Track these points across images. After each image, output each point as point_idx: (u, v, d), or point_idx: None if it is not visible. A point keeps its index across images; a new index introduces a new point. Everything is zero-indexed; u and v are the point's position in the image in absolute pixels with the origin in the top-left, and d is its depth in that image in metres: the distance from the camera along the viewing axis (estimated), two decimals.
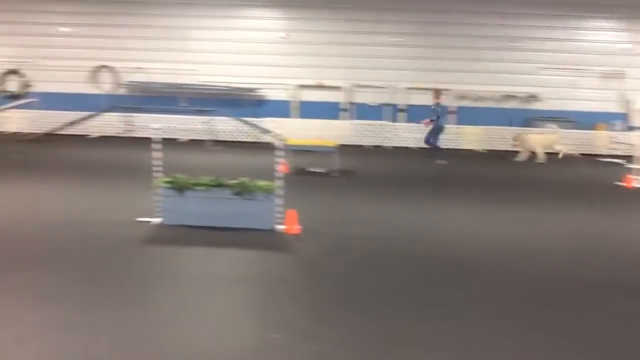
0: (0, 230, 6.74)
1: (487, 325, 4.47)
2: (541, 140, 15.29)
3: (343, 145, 16.58)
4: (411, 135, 17.11)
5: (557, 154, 15.41)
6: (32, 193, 9.09)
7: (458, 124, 17.29)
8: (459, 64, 17.58)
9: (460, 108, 17.73)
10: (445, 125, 14.71)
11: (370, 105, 17.83)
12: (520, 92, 17.79)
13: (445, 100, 17.53)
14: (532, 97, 17.82)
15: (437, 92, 14.47)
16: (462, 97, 17.78)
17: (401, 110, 17.83)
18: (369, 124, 17.36)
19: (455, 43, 17.55)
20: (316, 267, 5.83)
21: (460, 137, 17.06)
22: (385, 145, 17.21)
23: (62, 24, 18.07)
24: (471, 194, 10.15)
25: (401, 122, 17.67)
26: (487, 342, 4.18)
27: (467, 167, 13.85)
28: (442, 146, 14.77)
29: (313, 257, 6.18)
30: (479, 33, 17.53)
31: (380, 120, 17.57)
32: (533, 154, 15.07)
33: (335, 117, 17.68)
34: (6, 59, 18.22)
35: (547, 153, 15.07)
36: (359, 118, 17.65)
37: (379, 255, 6.24)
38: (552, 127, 15.83)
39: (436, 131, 14.43)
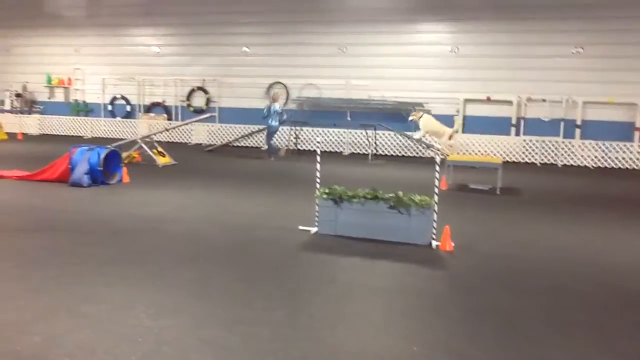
0: (175, 228, 7.50)
1: None
2: (431, 125, 15.41)
3: (510, 162, 15.97)
4: (587, 153, 15.90)
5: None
6: (208, 198, 9.97)
7: None
8: None
9: None
10: (275, 125, 15.65)
11: (543, 121, 16.82)
12: None
13: (624, 116, 16.09)
14: None
15: (274, 95, 16.18)
16: None
17: (577, 127, 16.57)
18: (540, 140, 16.42)
19: None
20: (467, 285, 5.64)
21: None
22: (558, 163, 16.16)
23: (243, 45, 19.60)
24: None
25: (577, 138, 16.43)
26: None
27: None
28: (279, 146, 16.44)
29: (464, 274, 5.99)
30: None
31: (556, 136, 16.49)
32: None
33: (505, 133, 16.96)
34: (194, 77, 20.24)
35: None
36: (530, 134, 16.76)
37: (533, 278, 5.85)
38: (455, 122, 15.72)
39: (269, 132, 15.87)
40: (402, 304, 5.10)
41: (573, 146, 16.23)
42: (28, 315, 4.51)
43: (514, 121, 17.03)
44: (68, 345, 4.00)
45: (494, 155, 16.35)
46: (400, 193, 7.07)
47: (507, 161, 15.63)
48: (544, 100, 16.78)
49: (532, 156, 16.49)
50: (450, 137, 15.55)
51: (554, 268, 6.25)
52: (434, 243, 6.91)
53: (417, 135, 15.91)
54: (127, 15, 20.99)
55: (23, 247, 6.57)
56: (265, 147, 16.34)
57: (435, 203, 6.97)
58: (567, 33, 16.47)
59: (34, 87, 22.77)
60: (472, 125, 17.32)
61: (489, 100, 17.22)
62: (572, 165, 16.08)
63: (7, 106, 22.67)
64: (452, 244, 6.82)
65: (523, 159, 16.50)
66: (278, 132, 16.53)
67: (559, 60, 16.60)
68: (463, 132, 17.28)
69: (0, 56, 22.99)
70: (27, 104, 22.72)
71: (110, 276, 5.55)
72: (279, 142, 17.33)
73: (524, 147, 16.59)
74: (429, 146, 16.46)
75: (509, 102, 17.05)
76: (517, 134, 16.97)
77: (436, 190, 7.03)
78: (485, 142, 16.68)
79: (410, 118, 15.94)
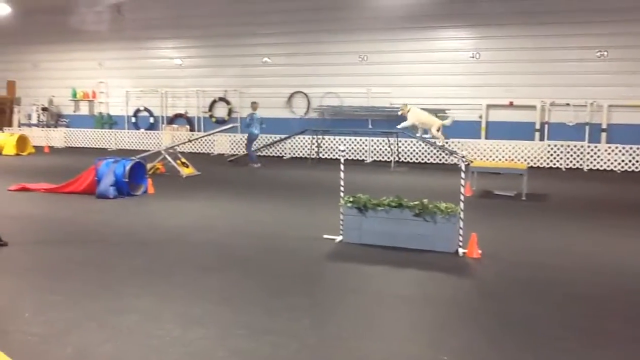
0: (200, 238, 7.54)
1: None
2: (419, 116, 16.07)
3: (535, 167, 15.78)
4: (613, 157, 15.66)
5: None
6: (232, 207, 10.01)
7: None
8: None
9: None
10: (257, 133, 16.60)
11: (568, 125, 16.61)
12: None
13: None
14: None
15: (254, 104, 16.53)
16: None
17: (603, 130, 16.32)
18: (565, 145, 16.20)
19: None
20: (494, 293, 5.57)
21: None
22: (584, 167, 15.93)
23: (264, 55, 19.75)
24: None
25: (603, 142, 16.17)
26: None
27: None
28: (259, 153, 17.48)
29: (491, 282, 5.92)
30: None
31: (581, 140, 16.25)
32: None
33: (529, 138, 16.78)
34: (216, 88, 20.43)
35: None
36: (554, 138, 16.55)
37: (561, 287, 5.74)
38: (449, 118, 16.08)
39: (249, 139, 16.55)
40: (429, 312, 5.06)
41: (599, 150, 15.99)
42: (59, 327, 4.56)
43: (537, 126, 16.85)
44: (100, 357, 4.04)
45: (518, 160, 16.17)
46: (425, 200, 7.02)
47: (532, 166, 15.45)
48: (568, 105, 16.57)
49: (557, 161, 16.28)
50: (438, 129, 15.86)
51: (582, 276, 6.13)
52: (461, 250, 6.84)
53: (439, 141, 15.95)
54: (149, 29, 21.28)
55: (52, 259, 6.67)
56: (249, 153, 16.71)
57: (461, 210, 6.91)
58: (590, 36, 16.27)
59: (60, 101, 23.21)
60: (496, 130, 17.18)
61: (511, 105, 17.07)
62: (598, 169, 15.84)
63: (34, 120, 23.11)
64: (479, 251, 6.75)
65: (548, 164, 16.30)
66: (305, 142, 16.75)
67: (583, 64, 16.39)
68: (486, 137, 17.16)
69: (27, 71, 23.47)
70: (53, 118, 23.16)
71: (139, 287, 5.60)
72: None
73: (548, 152, 16.39)
74: (452, 152, 16.35)
75: (532, 107, 16.88)
76: (542, 138, 16.78)
77: (462, 197, 6.97)
78: (509, 147, 16.52)
79: (399, 112, 16.45)
